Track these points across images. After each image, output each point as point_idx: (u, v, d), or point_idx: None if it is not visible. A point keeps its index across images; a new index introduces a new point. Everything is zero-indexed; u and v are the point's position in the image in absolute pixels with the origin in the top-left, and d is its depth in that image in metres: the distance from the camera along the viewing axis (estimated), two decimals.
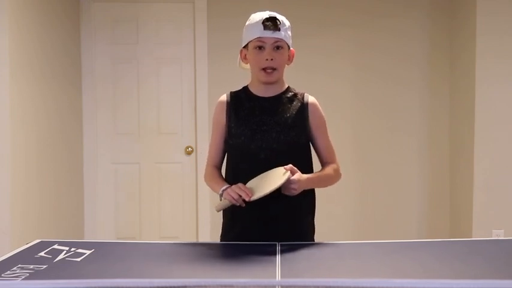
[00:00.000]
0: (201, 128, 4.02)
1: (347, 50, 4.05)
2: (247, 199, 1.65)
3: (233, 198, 1.67)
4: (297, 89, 1.93)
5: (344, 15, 4.03)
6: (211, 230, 4.04)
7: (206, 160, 1.96)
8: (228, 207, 1.76)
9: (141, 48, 4.08)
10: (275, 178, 1.67)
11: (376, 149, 4.08)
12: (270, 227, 1.80)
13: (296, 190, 1.70)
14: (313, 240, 1.89)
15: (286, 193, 1.70)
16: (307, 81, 3.47)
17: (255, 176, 1.75)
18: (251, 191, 1.66)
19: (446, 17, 4.04)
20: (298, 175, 1.70)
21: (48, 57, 3.37)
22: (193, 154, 4.08)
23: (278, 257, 1.52)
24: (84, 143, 4.03)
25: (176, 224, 4.11)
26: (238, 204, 1.68)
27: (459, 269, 1.38)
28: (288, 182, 1.66)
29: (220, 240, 1.94)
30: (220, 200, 1.78)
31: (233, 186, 1.71)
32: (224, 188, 1.76)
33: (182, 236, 4.08)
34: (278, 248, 1.64)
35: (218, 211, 1.79)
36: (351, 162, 4.03)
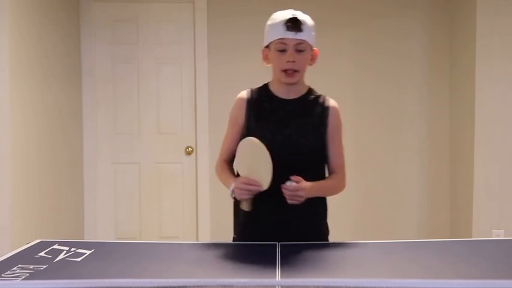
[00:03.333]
0: (201, 128, 4.02)
1: (347, 50, 4.05)
2: (262, 189, 1.64)
3: (246, 193, 1.66)
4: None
5: (344, 15, 4.03)
6: (211, 230, 4.04)
7: (219, 155, 1.93)
8: (241, 208, 1.74)
9: (141, 48, 4.08)
10: (259, 153, 1.64)
11: (376, 149, 4.08)
12: (289, 228, 1.78)
13: (302, 198, 1.68)
14: (328, 241, 1.88)
15: (292, 202, 1.67)
16: (307, 81, 3.46)
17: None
18: (255, 181, 1.64)
19: (446, 17, 4.04)
20: (303, 184, 1.67)
21: (48, 57, 3.37)
22: (193, 154, 4.08)
23: (278, 257, 1.52)
24: (84, 143, 4.03)
25: (176, 224, 4.11)
26: (256, 192, 1.66)
27: (459, 269, 1.38)
28: (295, 189, 1.65)
29: (234, 240, 1.91)
30: (231, 195, 1.75)
31: (237, 185, 1.68)
32: (232, 193, 1.73)
33: (182, 236, 4.08)
34: (278, 248, 1.64)
35: (250, 210, 1.73)
36: (350, 162, 4.00)
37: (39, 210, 3.21)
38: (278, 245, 1.67)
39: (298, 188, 1.65)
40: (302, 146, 1.78)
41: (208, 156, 4.02)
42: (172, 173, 4.10)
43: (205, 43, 4.01)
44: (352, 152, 4.07)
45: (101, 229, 4.09)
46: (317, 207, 1.85)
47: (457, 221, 3.94)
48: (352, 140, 4.06)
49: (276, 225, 1.78)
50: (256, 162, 1.66)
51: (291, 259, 1.51)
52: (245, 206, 1.72)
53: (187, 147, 4.07)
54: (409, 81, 4.07)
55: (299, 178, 1.67)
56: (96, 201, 4.08)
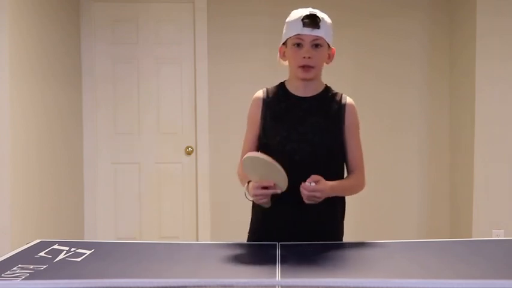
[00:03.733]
0: (201, 128, 4.02)
1: (347, 50, 4.05)
2: (279, 192, 1.63)
3: (262, 197, 1.66)
4: None
5: (344, 15, 4.03)
6: (211, 230, 4.04)
7: (240, 158, 1.91)
8: (258, 206, 1.74)
9: (141, 48, 4.08)
10: (264, 167, 1.63)
11: (376, 148, 4.08)
12: (305, 228, 1.78)
13: (320, 198, 1.67)
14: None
15: (309, 202, 1.66)
16: None
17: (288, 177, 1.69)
18: (269, 182, 1.63)
19: (446, 17, 4.04)
20: (323, 184, 1.66)
21: (48, 57, 3.37)
22: (193, 154, 4.08)
23: (278, 257, 1.52)
24: (84, 143, 4.03)
25: (176, 224, 4.11)
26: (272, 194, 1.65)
27: (459, 269, 1.38)
28: (312, 190, 1.64)
29: (249, 237, 1.90)
30: (246, 194, 1.75)
31: (254, 191, 1.66)
32: (251, 198, 1.72)
33: (182, 236, 4.08)
34: (278, 248, 1.63)
35: (269, 206, 1.72)
36: None
37: (39, 210, 3.21)
38: (278, 245, 1.67)
39: (315, 189, 1.64)
40: (318, 144, 1.77)
41: (208, 156, 4.02)
42: (172, 173, 4.10)
43: (205, 43, 4.01)
44: None
45: (101, 229, 4.09)
46: (334, 208, 1.84)
47: (457, 221, 3.94)
48: None
49: (292, 225, 1.77)
50: (265, 173, 1.65)
51: (291, 259, 1.51)
52: (266, 206, 1.72)
53: (187, 147, 4.07)
54: (409, 81, 4.07)
55: (318, 177, 1.66)
56: (96, 201, 4.08)
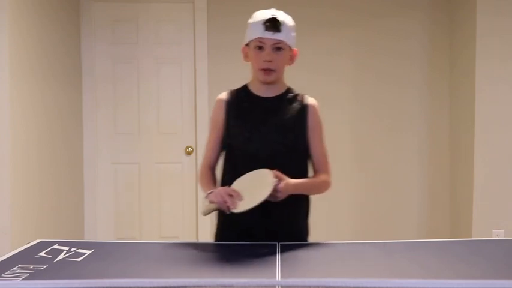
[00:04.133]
0: (201, 128, 4.02)
1: (347, 50, 4.05)
2: (232, 209, 1.61)
3: (220, 202, 1.64)
4: (297, 89, 1.91)
5: (344, 15, 4.03)
6: (211, 230, 4.01)
7: (202, 159, 1.93)
8: (216, 211, 1.72)
9: (141, 48, 4.08)
10: (262, 183, 1.62)
11: (376, 148, 4.08)
12: (269, 228, 1.78)
13: (280, 198, 1.66)
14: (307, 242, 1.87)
15: (270, 199, 1.64)
16: (307, 81, 3.47)
17: None
18: (239, 195, 1.62)
19: (446, 17, 4.04)
20: (285, 183, 1.66)
21: (48, 57, 3.37)
22: (193, 154, 4.08)
23: (278, 257, 1.52)
24: (84, 143, 4.03)
25: (176, 224, 4.11)
26: (224, 209, 1.64)
27: (459, 269, 1.38)
28: (273, 189, 1.62)
29: (215, 240, 1.91)
30: (206, 196, 1.74)
31: (220, 189, 1.67)
32: (210, 191, 1.71)
33: (182, 236, 4.08)
34: (278, 248, 1.63)
35: (205, 215, 1.71)
36: (350, 162, 4.03)
37: (39, 210, 3.21)
38: (278, 245, 1.67)
39: (276, 189, 1.63)
40: (280, 144, 1.78)
41: None
42: (172, 173, 4.10)
43: (205, 43, 4.01)
44: (352, 152, 4.07)
45: (101, 229, 4.09)
46: (297, 206, 1.84)
47: (457, 221, 3.94)
48: (352, 140, 4.06)
49: (254, 223, 1.75)
50: (253, 183, 1.65)
51: (291, 259, 1.51)
52: (204, 210, 1.68)
53: (187, 147, 4.07)
54: (409, 81, 4.07)
55: (280, 175, 1.66)
56: (96, 201, 4.08)
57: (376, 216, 4.08)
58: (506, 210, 3.63)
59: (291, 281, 1.26)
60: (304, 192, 1.83)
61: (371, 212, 4.07)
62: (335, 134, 3.77)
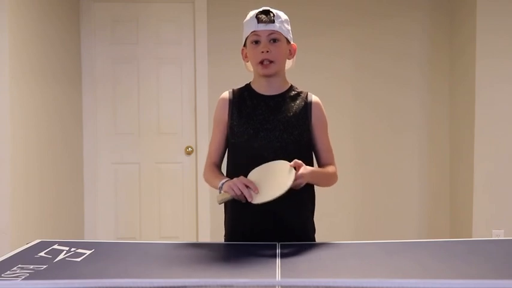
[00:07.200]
0: (201, 128, 4.02)
1: (347, 50, 4.05)
2: (250, 200, 1.62)
3: (235, 193, 1.64)
4: (299, 88, 1.92)
5: (344, 15, 4.03)
6: (211, 230, 4.04)
7: (206, 158, 1.94)
8: (230, 201, 1.72)
9: (141, 48, 4.08)
10: (280, 174, 1.63)
11: (376, 149, 4.08)
12: (276, 226, 1.78)
13: (302, 184, 1.67)
14: (314, 239, 1.89)
15: (293, 187, 1.64)
16: (307, 81, 3.47)
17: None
18: (255, 187, 1.63)
19: (446, 17, 4.04)
20: (303, 169, 1.67)
21: (48, 57, 3.37)
22: (193, 154, 4.08)
23: (278, 257, 1.52)
24: (84, 143, 4.03)
25: (176, 224, 4.11)
26: (240, 199, 1.65)
27: (459, 269, 1.38)
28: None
29: (226, 239, 1.91)
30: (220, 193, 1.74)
31: (235, 179, 1.67)
32: (224, 181, 1.72)
33: (182, 236, 4.08)
34: (278, 248, 1.63)
35: (220, 203, 1.73)
36: (351, 162, 4.03)
37: (39, 210, 3.21)
38: (278, 245, 1.67)
39: (297, 176, 1.63)
40: (286, 141, 1.78)
41: None
42: (173, 173, 4.10)
43: (205, 43, 4.01)
44: (352, 152, 4.07)
45: (101, 229, 4.09)
46: (304, 204, 1.85)
47: (457, 221, 3.94)
48: (352, 140, 4.06)
49: (266, 220, 1.77)
50: (270, 174, 1.65)
51: (291, 259, 1.51)
52: (219, 199, 1.69)
53: (187, 147, 4.07)
54: (409, 81, 4.07)
55: (298, 162, 1.66)
56: (96, 201, 4.08)
57: (376, 216, 4.08)
58: (506, 210, 3.63)
59: (291, 281, 1.26)
60: (318, 181, 1.83)
61: (371, 212, 4.07)
62: (335, 134, 3.76)
